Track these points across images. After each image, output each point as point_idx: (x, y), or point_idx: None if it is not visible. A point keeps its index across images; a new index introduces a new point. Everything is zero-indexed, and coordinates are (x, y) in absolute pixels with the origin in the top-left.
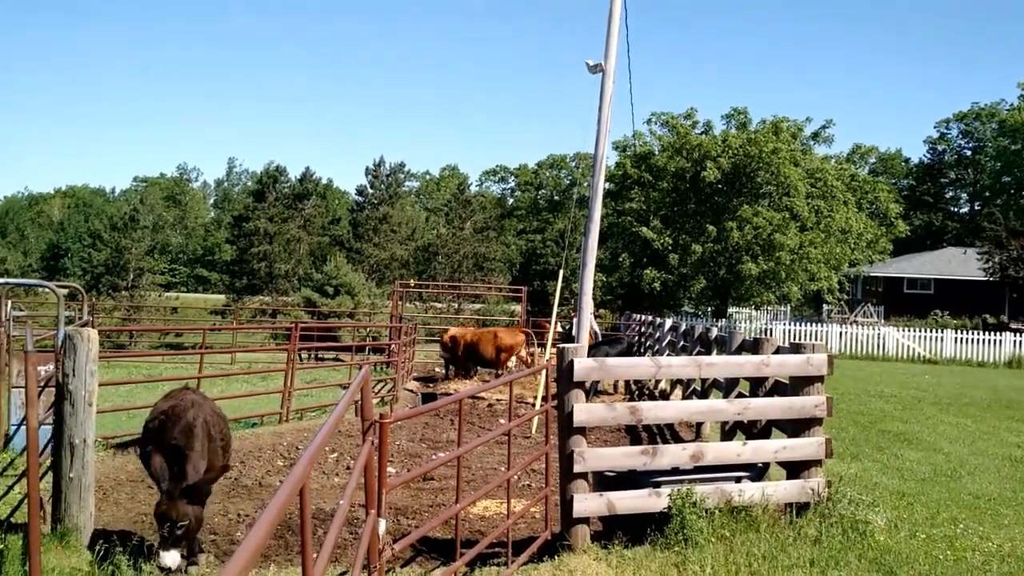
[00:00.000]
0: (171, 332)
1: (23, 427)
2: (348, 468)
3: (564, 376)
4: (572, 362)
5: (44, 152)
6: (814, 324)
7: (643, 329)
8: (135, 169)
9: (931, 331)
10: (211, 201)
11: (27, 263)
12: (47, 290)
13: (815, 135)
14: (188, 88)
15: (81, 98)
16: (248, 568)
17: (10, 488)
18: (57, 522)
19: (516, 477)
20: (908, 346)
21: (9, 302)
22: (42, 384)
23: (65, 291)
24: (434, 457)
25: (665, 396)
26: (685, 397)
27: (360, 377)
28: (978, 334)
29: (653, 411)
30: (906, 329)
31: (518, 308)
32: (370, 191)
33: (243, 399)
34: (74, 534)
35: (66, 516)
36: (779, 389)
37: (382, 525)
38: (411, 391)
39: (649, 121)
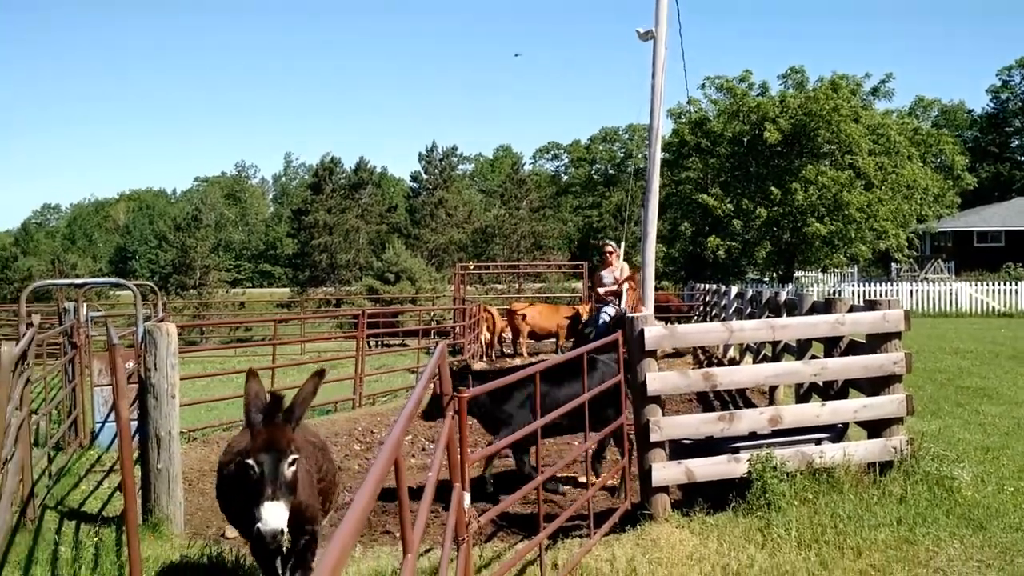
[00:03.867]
0: (241, 326)
1: (107, 424)
2: (423, 450)
3: (635, 345)
4: (643, 331)
5: (107, 158)
6: (884, 284)
7: (708, 298)
8: (195, 170)
9: (1005, 284)
10: (270, 196)
11: (96, 267)
12: (118, 293)
13: (875, 90)
14: (242, 86)
15: (139, 103)
16: (356, 533)
17: (99, 483)
18: (148, 513)
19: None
20: (982, 300)
21: (85, 304)
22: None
23: (139, 289)
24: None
25: (735, 364)
26: (756, 363)
27: (438, 353)
28: None
29: (728, 376)
30: (978, 283)
31: (579, 285)
32: (424, 176)
33: None
34: (165, 524)
35: (156, 507)
36: (854, 349)
37: (467, 498)
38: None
39: (703, 86)
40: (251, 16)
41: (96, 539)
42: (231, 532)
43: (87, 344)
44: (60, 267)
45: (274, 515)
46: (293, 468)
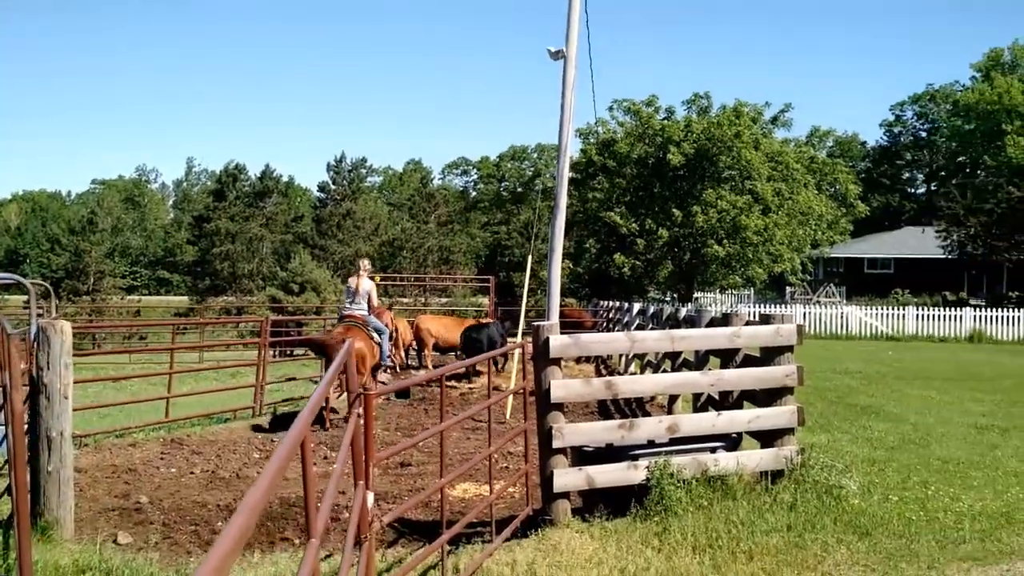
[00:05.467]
0: (138, 330)
1: None
2: (325, 458)
3: (540, 353)
4: (548, 339)
5: None
6: (778, 306)
7: (611, 315)
8: (93, 172)
9: (893, 308)
10: (171, 202)
11: None
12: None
13: (774, 119)
14: (145, 88)
15: (35, 101)
16: (256, 510)
17: None
18: (37, 516)
19: (494, 459)
20: (871, 324)
21: None
22: None
23: (33, 288)
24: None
25: None
26: None
27: (345, 350)
28: (939, 311)
29: (629, 385)
30: (868, 308)
31: (486, 300)
32: (332, 187)
33: (215, 395)
34: (55, 528)
35: (46, 510)
36: (750, 362)
37: (371, 497)
38: (383, 383)
39: (611, 108)
40: (157, 15)
41: None
42: (123, 538)
43: None
44: None
45: None
46: None
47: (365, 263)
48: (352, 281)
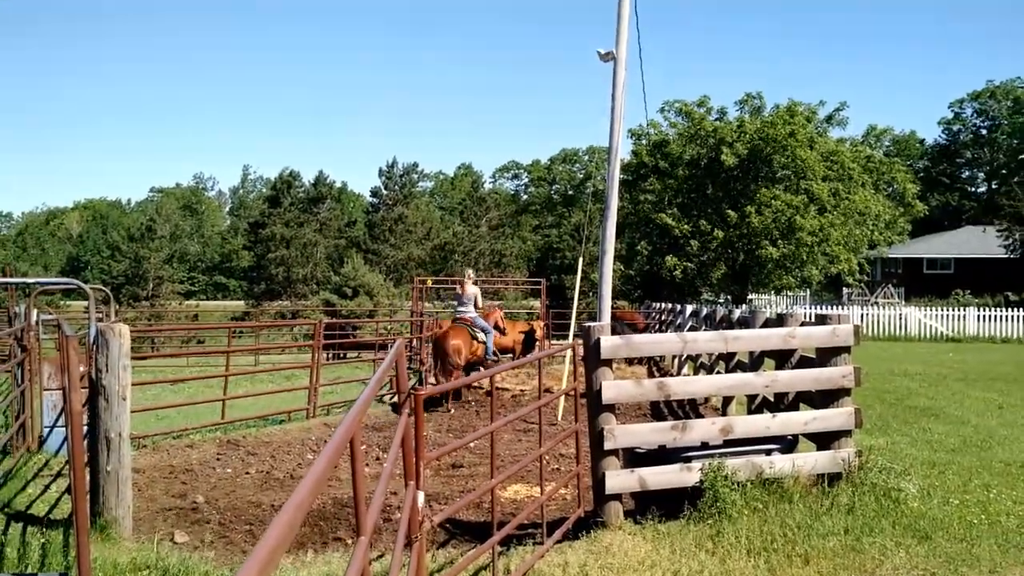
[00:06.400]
0: (195, 332)
1: (56, 428)
2: (377, 459)
3: (591, 354)
4: (599, 340)
5: (60, 167)
6: (835, 307)
7: (663, 317)
8: (151, 180)
9: (953, 310)
10: (227, 209)
11: (47, 277)
12: (69, 303)
13: (829, 118)
14: (201, 97)
15: (95, 111)
16: (308, 502)
17: (47, 487)
18: (96, 515)
19: (545, 461)
20: (930, 325)
21: (36, 308)
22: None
23: (93, 292)
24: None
25: None
26: None
27: (395, 350)
28: (1000, 311)
29: (682, 386)
30: (927, 309)
31: (537, 303)
32: (384, 192)
33: (270, 397)
34: (114, 526)
35: (105, 509)
36: (806, 363)
37: (421, 497)
38: (433, 384)
39: (663, 110)
40: (212, 26)
41: (43, 540)
42: (180, 537)
43: (37, 347)
44: (10, 275)
45: None
46: None
47: (470, 272)
48: (459, 288)
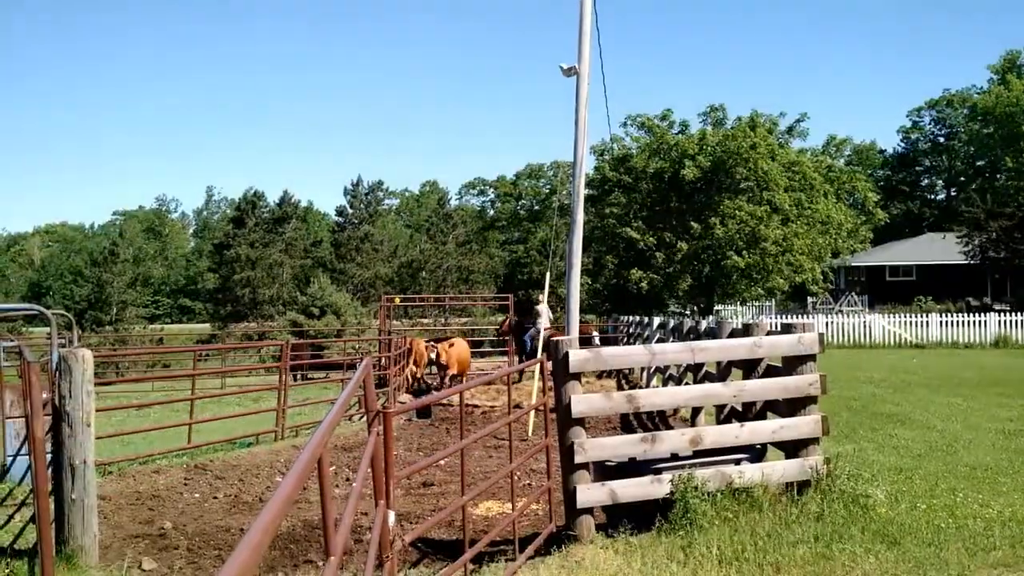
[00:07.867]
0: (160, 356)
1: (19, 457)
2: (347, 480)
3: (560, 368)
4: (567, 354)
5: (20, 192)
6: (800, 316)
7: (631, 330)
8: (114, 203)
9: (916, 316)
10: (191, 231)
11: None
12: (31, 329)
13: (790, 129)
14: (162, 119)
15: (55, 135)
16: (278, 517)
17: (10, 517)
18: (62, 544)
19: (517, 476)
20: (894, 332)
21: None
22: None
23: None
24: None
25: None
26: None
27: (362, 369)
28: (963, 316)
29: (650, 398)
30: (891, 315)
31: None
32: (350, 211)
33: (237, 419)
34: (80, 555)
35: (70, 538)
36: (772, 372)
37: (392, 516)
38: (403, 403)
39: (625, 124)
40: (174, 48)
41: (7, 571)
42: (148, 564)
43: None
44: None
45: None
46: None
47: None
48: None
